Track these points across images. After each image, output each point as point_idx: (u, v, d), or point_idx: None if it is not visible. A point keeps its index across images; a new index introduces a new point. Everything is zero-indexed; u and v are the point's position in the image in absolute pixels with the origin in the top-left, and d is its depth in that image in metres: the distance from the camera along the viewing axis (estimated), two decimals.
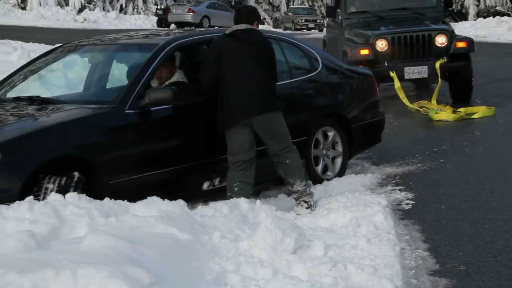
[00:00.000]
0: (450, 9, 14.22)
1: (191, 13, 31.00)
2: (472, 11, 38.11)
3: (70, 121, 4.81)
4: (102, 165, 4.75)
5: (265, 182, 5.77)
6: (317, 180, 6.05)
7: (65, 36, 19.58)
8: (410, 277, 4.07)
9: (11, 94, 5.65)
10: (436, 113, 9.50)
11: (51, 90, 6.07)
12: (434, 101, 10.02)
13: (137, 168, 4.95)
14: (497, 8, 37.44)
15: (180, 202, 4.57)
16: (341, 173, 6.33)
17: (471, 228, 5.00)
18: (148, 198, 4.58)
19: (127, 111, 4.99)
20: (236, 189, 5.20)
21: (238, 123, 5.20)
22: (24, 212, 3.99)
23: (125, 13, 34.50)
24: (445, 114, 9.42)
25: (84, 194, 4.40)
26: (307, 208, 5.34)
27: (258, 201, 4.93)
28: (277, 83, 5.48)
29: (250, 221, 4.57)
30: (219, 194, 5.34)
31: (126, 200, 4.44)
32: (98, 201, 4.32)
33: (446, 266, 4.25)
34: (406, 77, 10.23)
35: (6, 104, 5.40)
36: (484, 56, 14.72)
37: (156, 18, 32.69)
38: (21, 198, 4.25)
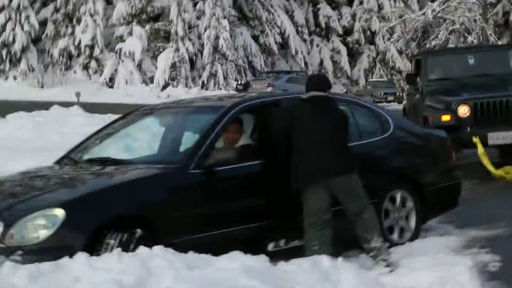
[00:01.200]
0: None
1: (271, 88, 31.66)
2: None
3: (133, 181, 4.97)
4: (163, 224, 4.82)
5: (340, 243, 5.74)
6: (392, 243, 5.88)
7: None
8: None
9: (86, 156, 5.89)
10: None
11: (125, 152, 6.25)
12: None
13: (200, 228, 5.00)
14: None
15: (262, 257, 4.63)
16: (416, 234, 6.17)
17: None
18: (231, 252, 4.66)
19: (191, 171, 5.09)
20: (314, 248, 5.22)
21: (317, 183, 5.28)
22: (113, 262, 4.16)
23: (206, 89, 35.59)
24: None
25: None
26: (386, 266, 5.28)
27: (339, 258, 4.93)
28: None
29: (331, 278, 4.57)
30: (285, 255, 5.26)
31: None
32: (183, 254, 4.44)
33: None
34: (490, 142, 10.06)
35: (80, 165, 5.68)
36: None
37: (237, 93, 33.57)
38: (87, 253, 4.35)
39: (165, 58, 35.44)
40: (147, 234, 4.73)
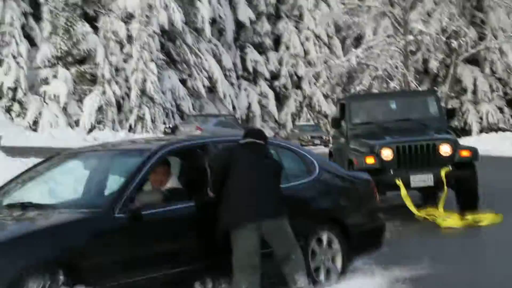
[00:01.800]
0: (454, 126, 14.60)
1: (199, 131, 31.65)
2: (475, 128, 38.76)
3: (55, 226, 4.88)
4: (88, 269, 4.74)
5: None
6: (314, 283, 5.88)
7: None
8: None
9: (6, 201, 5.74)
10: (444, 220, 9.53)
11: (48, 197, 6.11)
12: (441, 209, 10.06)
13: (126, 273, 4.93)
14: (499, 125, 38.09)
15: None
16: (342, 273, 6.21)
17: None
18: None
19: (116, 215, 5.04)
20: None
21: (248, 225, 5.28)
22: None
23: (134, 132, 35.24)
24: (453, 221, 9.45)
25: None
26: None
27: None
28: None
29: None
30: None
31: None
32: None
33: None
34: (413, 185, 10.34)
35: (0, 210, 5.50)
36: (489, 168, 14.85)
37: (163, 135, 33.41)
38: None
39: (91, 101, 34.98)
40: (71, 279, 4.64)
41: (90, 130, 34.29)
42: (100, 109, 35.01)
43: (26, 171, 6.29)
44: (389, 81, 34.19)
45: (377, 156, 10.35)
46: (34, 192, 6.07)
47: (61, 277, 4.59)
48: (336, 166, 7.22)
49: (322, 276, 6.10)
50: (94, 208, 5.14)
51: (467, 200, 10.58)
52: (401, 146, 10.53)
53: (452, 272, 6.79)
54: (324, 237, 6.17)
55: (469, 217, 9.59)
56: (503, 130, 33.88)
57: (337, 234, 6.25)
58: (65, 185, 6.24)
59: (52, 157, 6.36)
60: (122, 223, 5.03)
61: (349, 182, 6.78)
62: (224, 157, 5.54)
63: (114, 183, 5.69)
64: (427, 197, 11.84)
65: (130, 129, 36.01)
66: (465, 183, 10.50)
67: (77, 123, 35.45)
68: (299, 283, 5.37)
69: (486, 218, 9.52)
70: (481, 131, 37.34)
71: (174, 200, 5.37)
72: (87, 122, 34.92)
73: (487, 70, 38.24)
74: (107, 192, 5.64)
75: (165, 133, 34.22)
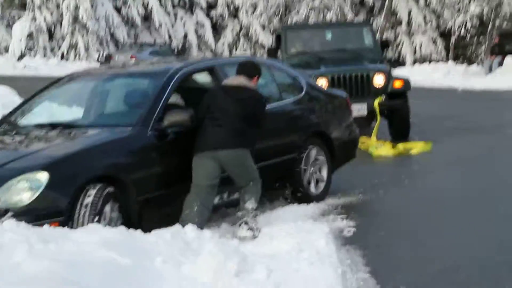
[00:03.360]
0: (389, 57, 14.73)
1: (134, 59, 31.06)
2: (409, 59, 39.31)
3: (103, 143, 5.21)
4: (130, 183, 5.11)
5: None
6: (302, 195, 6.53)
7: (5, 82, 19.32)
8: None
9: (23, 122, 6.00)
10: (376, 148, 9.72)
11: (63, 116, 6.28)
12: (374, 138, 10.25)
13: (159, 186, 5.33)
14: (432, 56, 38.75)
15: (122, 229, 4.55)
16: (324, 191, 6.79)
17: (410, 253, 5.12)
18: (89, 225, 4.55)
19: (149, 133, 5.40)
20: (195, 209, 5.34)
21: (205, 152, 5.48)
22: None
23: (67, 60, 34.28)
24: (384, 150, 9.66)
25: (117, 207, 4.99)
26: (248, 229, 5.38)
27: (204, 229, 4.95)
28: (265, 116, 5.83)
29: (193, 248, 4.56)
30: (225, 209, 5.96)
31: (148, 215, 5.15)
32: (37, 227, 4.26)
33: (386, 287, 4.33)
34: None
35: (29, 130, 5.68)
36: (420, 98, 15.17)
37: (99, 65, 32.63)
38: (69, 212, 4.69)
39: (21, 27, 33.70)
40: (118, 192, 5.01)
41: (21, 57, 33.17)
42: (30, 36, 33.82)
43: (40, 91, 6.43)
44: (326, 12, 34.11)
45: None
46: (55, 113, 6.29)
47: (111, 190, 4.93)
48: (317, 85, 7.70)
49: (312, 188, 6.67)
50: (128, 126, 5.42)
51: (399, 129, 10.83)
52: (336, 76, 10.62)
53: (381, 199, 6.98)
54: (314, 151, 6.68)
55: (400, 145, 9.81)
56: (436, 61, 34.50)
57: (323, 147, 6.79)
58: (86, 105, 6.28)
59: (60, 79, 6.51)
60: (154, 140, 5.40)
61: (330, 98, 7.29)
62: (206, 98, 5.72)
63: (139, 103, 5.83)
64: (361, 127, 12.02)
65: (63, 57, 35.02)
66: (397, 112, 10.72)
67: (6, 49, 34.24)
68: (247, 204, 5.53)
69: (416, 147, 9.77)
70: (414, 62, 37.95)
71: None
72: (16, 48, 33.74)
73: (422, 2, 38.56)
74: (135, 111, 5.73)
75: (98, 61, 33.46)
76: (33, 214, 4.57)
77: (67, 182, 4.77)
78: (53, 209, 4.67)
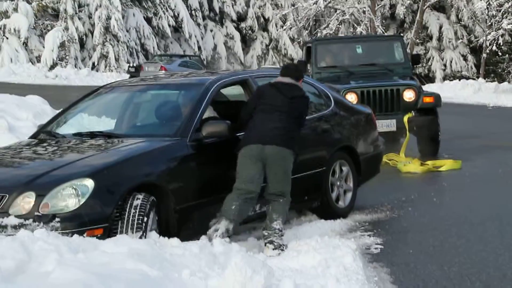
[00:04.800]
0: (418, 73, 14.64)
1: (163, 71, 31.30)
2: (438, 75, 39.08)
3: (149, 151, 5.35)
4: (171, 191, 5.22)
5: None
6: (330, 209, 6.59)
7: (37, 91, 19.64)
8: None
9: (61, 132, 6.13)
10: (405, 165, 9.68)
11: (100, 126, 6.48)
12: (402, 154, 10.21)
13: (197, 195, 5.44)
14: (462, 73, 38.47)
15: (150, 240, 4.59)
16: (351, 204, 6.85)
17: (439, 271, 5.07)
18: (118, 236, 4.59)
19: (188, 143, 5.53)
20: (233, 207, 5.40)
21: (253, 145, 5.54)
22: None
23: (97, 71, 34.66)
24: (413, 167, 9.60)
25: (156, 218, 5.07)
26: (274, 249, 5.39)
27: (231, 242, 4.96)
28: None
29: (219, 261, 4.58)
30: (258, 220, 6.00)
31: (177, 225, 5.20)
32: (66, 237, 4.33)
33: None
34: None
35: (69, 139, 5.85)
36: (450, 115, 15.08)
37: (128, 75, 32.93)
38: (114, 218, 4.80)
39: (53, 36, 34.18)
40: (159, 200, 5.12)
41: (52, 67, 33.62)
42: (62, 45, 34.28)
43: (75, 102, 6.57)
44: (356, 25, 34.09)
45: None
46: (91, 123, 6.48)
47: (152, 198, 5.01)
48: (345, 99, 7.80)
49: (339, 202, 6.75)
50: (167, 137, 5.55)
51: (428, 146, 10.76)
52: (366, 91, 10.59)
53: (410, 216, 6.94)
54: (340, 165, 6.80)
55: (429, 162, 9.76)
56: (466, 77, 34.23)
57: (350, 162, 6.89)
58: (123, 116, 6.44)
59: (95, 91, 6.62)
60: (193, 151, 5.52)
61: (356, 114, 7.38)
62: (256, 94, 5.85)
63: (177, 114, 5.97)
64: (389, 142, 11.98)
65: (93, 67, 35.44)
66: (427, 129, 10.65)
67: (38, 59, 34.74)
68: (274, 224, 5.51)
69: (445, 164, 9.70)
70: (444, 78, 37.70)
71: (232, 130, 5.73)
72: (48, 58, 34.20)
73: (453, 17, 38.37)
74: (172, 122, 5.87)
75: (128, 72, 33.81)
76: (78, 220, 4.68)
77: (112, 190, 4.88)
78: (98, 216, 4.75)
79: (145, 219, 4.91)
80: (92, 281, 3.62)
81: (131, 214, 4.85)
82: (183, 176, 5.37)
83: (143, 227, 4.87)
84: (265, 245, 5.46)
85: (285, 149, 5.60)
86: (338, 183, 6.75)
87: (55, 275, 3.65)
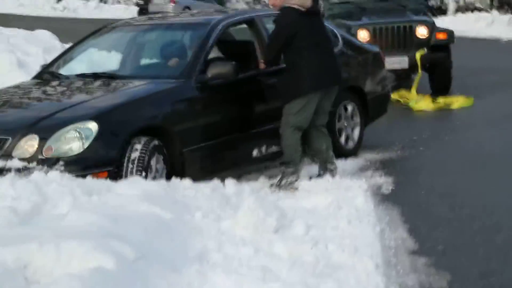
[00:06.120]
0: (430, 4, 14.39)
1: (173, 4, 30.84)
2: (451, 7, 38.32)
3: (151, 94, 5.26)
4: (176, 134, 5.17)
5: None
6: (341, 151, 6.46)
7: (45, 23, 19.46)
8: (390, 256, 4.14)
9: (65, 72, 6.02)
10: (416, 102, 9.60)
11: (104, 66, 6.32)
12: (414, 91, 10.10)
13: (203, 137, 5.37)
14: (476, 5, 37.71)
15: (162, 182, 4.61)
16: (359, 142, 6.78)
17: (450, 212, 5.09)
18: (130, 178, 4.61)
19: (193, 85, 5.43)
20: (299, 148, 5.53)
21: (316, 92, 5.50)
22: (6, 188, 3.99)
23: (105, 3, 34.23)
24: (424, 104, 9.52)
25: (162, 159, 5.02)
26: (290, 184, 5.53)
27: (242, 183, 4.99)
28: None
29: (232, 202, 4.61)
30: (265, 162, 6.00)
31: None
32: (80, 179, 4.35)
33: (425, 246, 4.34)
34: (387, 67, 10.21)
35: (72, 80, 5.73)
36: (463, 50, 14.85)
37: (137, 8, 32.48)
38: (118, 161, 4.75)
39: None
40: (164, 143, 5.05)
41: None
42: None
43: (79, 41, 6.45)
44: None
45: (353, 37, 10.19)
46: (96, 63, 6.33)
47: (156, 143, 4.96)
48: (353, 38, 7.66)
49: (342, 139, 6.62)
50: (172, 78, 5.47)
51: (440, 83, 10.63)
52: (378, 28, 10.41)
53: (421, 155, 6.93)
54: (348, 105, 6.65)
55: (441, 100, 9.66)
56: (479, 9, 33.58)
57: (357, 102, 6.75)
58: (127, 56, 6.31)
59: (99, 30, 6.49)
60: (198, 92, 5.44)
61: (364, 53, 7.24)
62: (292, 24, 5.50)
63: (181, 55, 5.88)
64: (401, 79, 11.86)
65: None
66: (439, 66, 10.51)
67: None
68: (333, 163, 5.76)
69: (457, 101, 9.60)
70: (457, 10, 36.99)
71: (237, 71, 5.58)
72: None
73: None
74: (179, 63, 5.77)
75: (137, 4, 33.34)
76: (83, 164, 4.66)
77: (116, 132, 4.85)
78: (103, 159, 4.74)
79: (150, 161, 4.88)
80: (106, 224, 3.66)
81: (136, 157, 4.82)
82: (188, 119, 5.33)
83: (147, 170, 4.86)
84: (283, 178, 5.52)
85: (337, 86, 5.73)
86: (346, 123, 6.66)
87: (70, 217, 3.68)
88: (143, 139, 4.91)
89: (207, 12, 7.38)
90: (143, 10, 31.83)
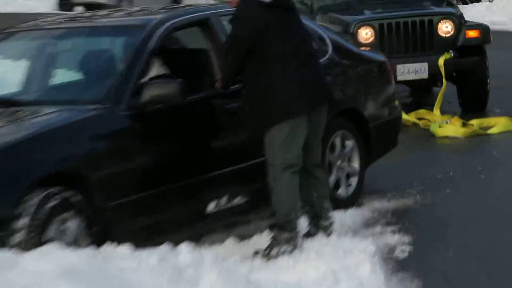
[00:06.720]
0: None
1: None
2: None
3: (63, 127, 5.20)
4: (96, 183, 5.10)
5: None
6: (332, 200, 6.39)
7: None
8: None
9: None
10: (440, 126, 9.70)
11: (15, 88, 6.20)
12: (437, 111, 10.22)
13: (137, 186, 5.33)
14: None
15: (89, 252, 4.59)
16: (356, 192, 6.73)
17: (490, 282, 5.13)
18: (44, 246, 4.59)
19: (120, 113, 5.39)
20: (295, 194, 5.51)
21: (300, 114, 5.48)
22: None
23: None
24: (452, 129, 9.63)
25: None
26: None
27: (202, 249, 4.99)
28: None
29: (188, 276, 4.61)
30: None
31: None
32: None
33: None
34: (399, 78, 10.40)
35: None
36: (504, 50, 15.07)
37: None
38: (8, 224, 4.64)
39: None
40: (79, 195, 4.97)
41: None
42: None
43: None
44: None
45: (353, 37, 10.32)
46: None
47: (69, 195, 4.91)
48: (347, 43, 7.62)
49: (340, 188, 6.63)
50: (93, 104, 5.42)
51: (472, 99, 10.77)
52: (386, 24, 10.54)
53: (448, 202, 6.99)
54: (341, 136, 6.63)
55: (475, 122, 9.78)
56: None
57: (354, 131, 6.75)
58: (32, 73, 6.21)
59: (2, 34, 6.44)
60: (130, 123, 5.42)
61: (364, 63, 7.30)
62: (254, 24, 5.47)
63: (107, 71, 5.90)
64: (418, 94, 12.01)
65: None
66: (471, 75, 10.66)
67: None
68: (329, 219, 5.79)
69: (497, 124, 9.73)
70: None
71: (185, 92, 5.55)
72: None
73: None
74: (101, 83, 5.79)
75: None
76: None
77: (7, 183, 4.74)
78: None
79: (60, 223, 4.84)
80: None
81: (38, 217, 4.74)
82: (116, 160, 5.27)
83: (56, 236, 4.80)
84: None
85: (326, 105, 5.73)
86: (339, 162, 6.63)
87: None
88: (49, 191, 4.82)
89: (149, 10, 7.37)
90: (64, 1, 31.80)
